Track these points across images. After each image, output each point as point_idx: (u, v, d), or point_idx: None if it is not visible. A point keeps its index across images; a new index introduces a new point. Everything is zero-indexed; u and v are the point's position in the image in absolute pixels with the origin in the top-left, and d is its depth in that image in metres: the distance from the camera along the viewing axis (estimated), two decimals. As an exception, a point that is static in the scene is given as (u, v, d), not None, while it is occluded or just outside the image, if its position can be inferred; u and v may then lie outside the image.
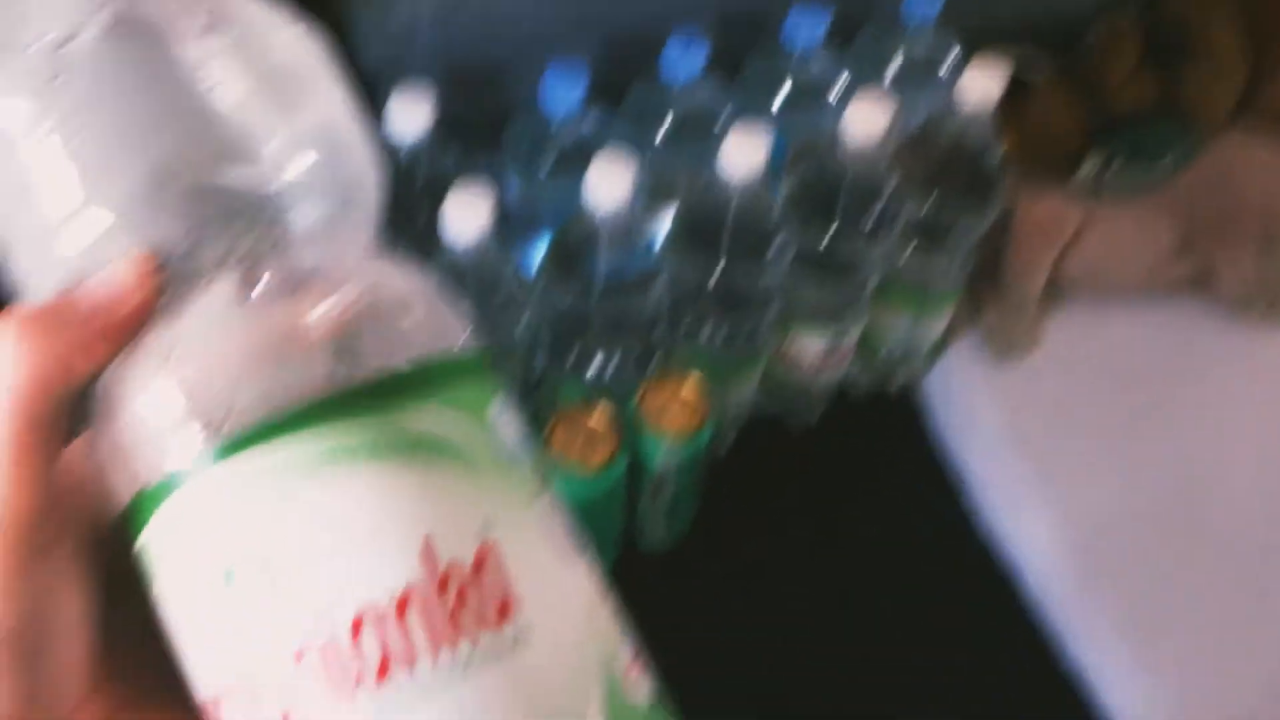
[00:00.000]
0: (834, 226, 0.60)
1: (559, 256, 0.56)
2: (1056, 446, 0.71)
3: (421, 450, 0.23)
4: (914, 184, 0.61)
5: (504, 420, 0.25)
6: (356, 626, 0.22)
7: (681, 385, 0.59)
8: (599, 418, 0.57)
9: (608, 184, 0.51)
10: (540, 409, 0.60)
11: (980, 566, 0.68)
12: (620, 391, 0.59)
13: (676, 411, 0.58)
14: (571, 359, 0.58)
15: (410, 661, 0.22)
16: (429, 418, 0.24)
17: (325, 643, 0.22)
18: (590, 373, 0.59)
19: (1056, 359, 0.74)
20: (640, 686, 0.25)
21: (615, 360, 0.59)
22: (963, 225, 0.64)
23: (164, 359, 0.23)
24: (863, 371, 0.73)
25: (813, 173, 0.60)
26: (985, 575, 0.67)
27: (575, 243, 0.54)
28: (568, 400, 0.61)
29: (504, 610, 0.23)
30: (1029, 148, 0.72)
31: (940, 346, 0.73)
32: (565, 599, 0.24)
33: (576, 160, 0.54)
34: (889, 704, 0.62)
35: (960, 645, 0.64)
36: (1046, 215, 0.71)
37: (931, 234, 0.64)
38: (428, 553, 0.22)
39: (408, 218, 0.55)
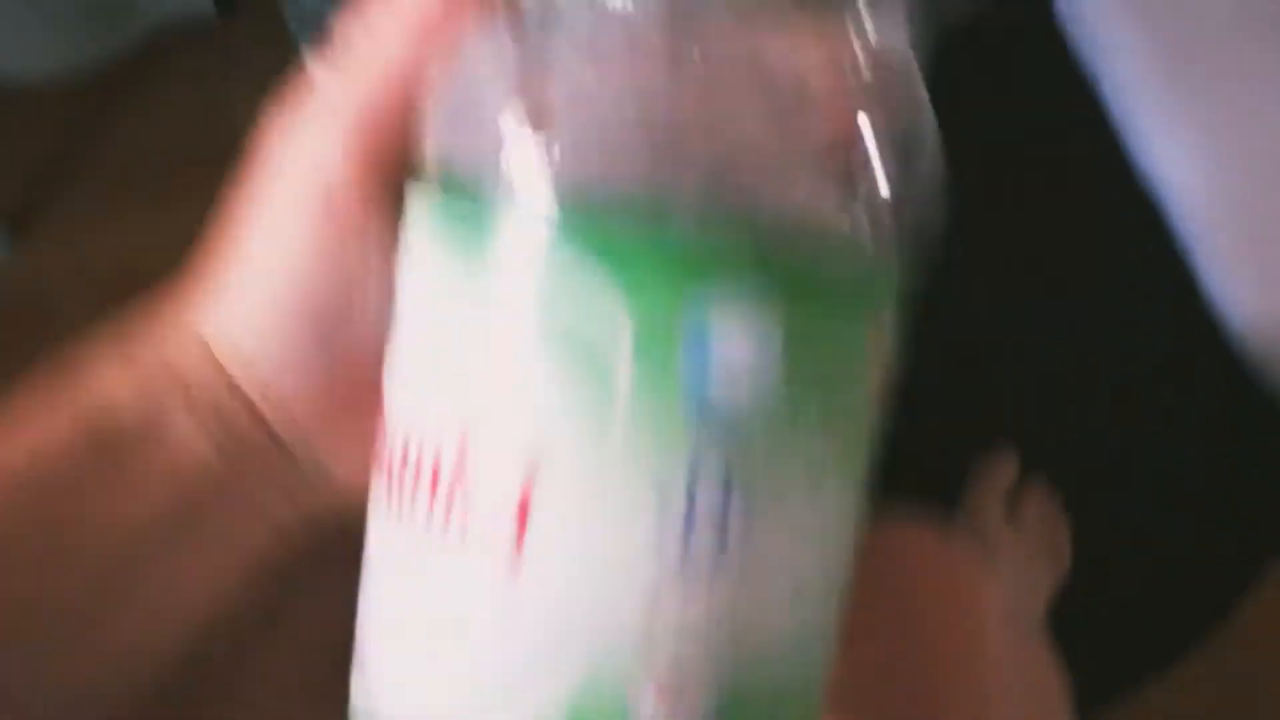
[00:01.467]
0: None
1: None
2: (1202, 66, 0.66)
3: None
4: None
5: None
6: None
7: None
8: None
9: None
10: None
11: (1126, 188, 0.64)
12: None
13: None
14: None
15: None
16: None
17: None
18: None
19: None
20: None
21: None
22: None
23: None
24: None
25: None
26: (1129, 196, 0.64)
27: None
28: None
29: None
30: None
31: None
32: None
33: None
34: (1010, 300, 0.60)
35: (1095, 260, 0.62)
36: None
37: None
38: None
39: None
